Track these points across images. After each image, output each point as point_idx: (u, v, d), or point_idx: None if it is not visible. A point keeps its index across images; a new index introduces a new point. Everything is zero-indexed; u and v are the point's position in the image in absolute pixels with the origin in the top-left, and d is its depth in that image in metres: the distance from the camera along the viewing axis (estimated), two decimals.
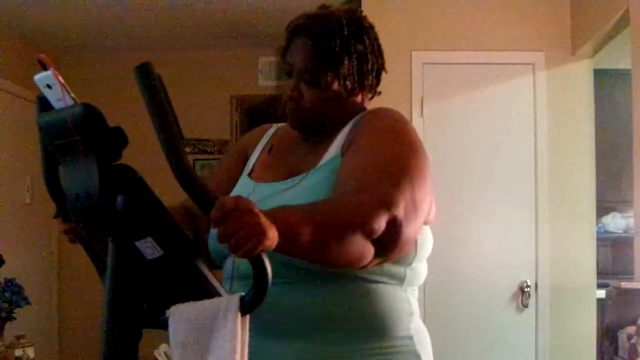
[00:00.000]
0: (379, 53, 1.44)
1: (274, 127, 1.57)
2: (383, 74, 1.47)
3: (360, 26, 1.42)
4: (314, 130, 1.42)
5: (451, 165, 3.78)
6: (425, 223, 1.33)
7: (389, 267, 1.28)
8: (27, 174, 4.64)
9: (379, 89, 1.49)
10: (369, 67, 1.41)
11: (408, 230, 1.18)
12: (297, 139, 1.48)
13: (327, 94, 1.37)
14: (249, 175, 1.48)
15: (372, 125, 1.34)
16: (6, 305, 3.23)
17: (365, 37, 1.41)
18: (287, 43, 1.41)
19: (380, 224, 1.12)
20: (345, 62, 1.37)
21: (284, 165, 1.43)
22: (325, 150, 1.36)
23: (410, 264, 1.34)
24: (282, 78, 1.45)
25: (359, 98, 1.43)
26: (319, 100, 1.38)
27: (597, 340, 3.20)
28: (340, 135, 1.36)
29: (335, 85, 1.37)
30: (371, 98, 1.48)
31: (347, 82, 1.38)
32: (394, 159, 1.25)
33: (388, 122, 1.35)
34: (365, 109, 1.44)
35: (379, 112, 1.39)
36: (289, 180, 1.36)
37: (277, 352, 1.26)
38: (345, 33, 1.37)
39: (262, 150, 1.52)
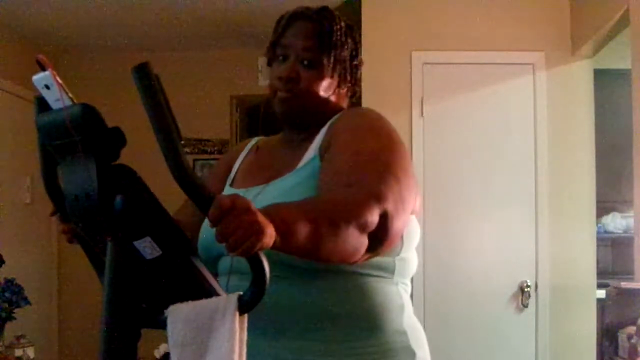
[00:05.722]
0: (360, 55, 1.49)
1: (254, 140, 1.62)
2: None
3: (351, 26, 1.48)
4: (304, 118, 1.43)
5: (451, 165, 3.78)
6: (410, 213, 1.33)
7: (377, 259, 1.28)
8: (27, 174, 4.64)
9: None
10: (358, 62, 1.47)
11: (397, 223, 1.18)
12: (277, 145, 1.51)
13: (324, 77, 1.40)
14: (231, 184, 1.51)
15: (350, 123, 1.36)
16: (6, 305, 3.23)
17: (355, 34, 1.47)
18: (283, 28, 1.44)
19: (374, 217, 1.12)
20: (345, 47, 1.41)
21: (264, 170, 1.45)
22: (304, 152, 1.37)
23: (398, 254, 1.35)
24: (273, 65, 1.45)
25: (342, 94, 1.46)
26: (316, 83, 1.40)
27: (597, 340, 3.21)
28: (318, 137, 1.37)
29: (332, 70, 1.40)
30: (349, 102, 1.51)
31: (346, 67, 1.42)
32: (376, 155, 1.26)
33: (365, 119, 1.37)
34: (342, 108, 1.46)
35: (355, 111, 1.43)
36: (266, 184, 1.37)
37: (269, 350, 1.27)
38: (343, 23, 1.43)
39: (244, 159, 1.55)
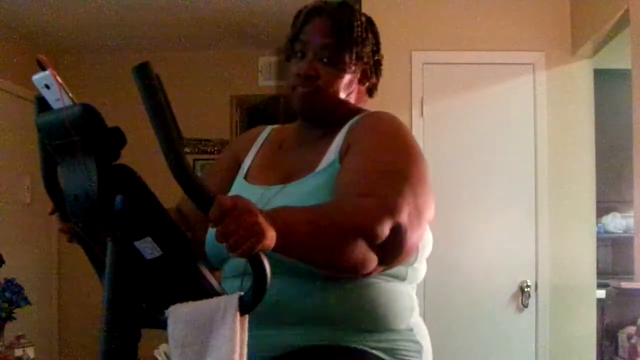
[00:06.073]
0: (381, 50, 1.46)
1: (267, 129, 1.56)
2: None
3: (371, 20, 1.45)
4: (323, 114, 1.39)
5: (451, 165, 3.78)
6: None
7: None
8: (27, 174, 4.64)
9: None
10: (379, 58, 1.44)
11: (412, 237, 1.16)
12: (295, 139, 1.46)
13: (345, 74, 1.37)
14: (245, 178, 1.46)
15: (371, 129, 1.33)
16: (6, 305, 3.23)
17: (375, 28, 1.44)
18: (302, 24, 1.39)
19: (384, 229, 1.10)
20: (366, 42, 1.38)
21: (280, 166, 1.41)
22: (323, 153, 1.34)
23: (412, 264, 1.34)
24: (291, 61, 1.41)
25: (363, 90, 1.44)
26: (336, 81, 1.36)
27: (597, 340, 3.20)
28: (338, 137, 1.35)
29: (354, 66, 1.37)
30: (368, 97, 1.48)
31: (369, 63, 1.40)
32: (394, 165, 1.23)
33: (386, 126, 1.34)
34: (361, 110, 1.43)
35: (377, 116, 1.39)
36: (288, 184, 1.34)
37: (272, 339, 1.25)
38: (363, 18, 1.40)
39: (257, 152, 1.50)
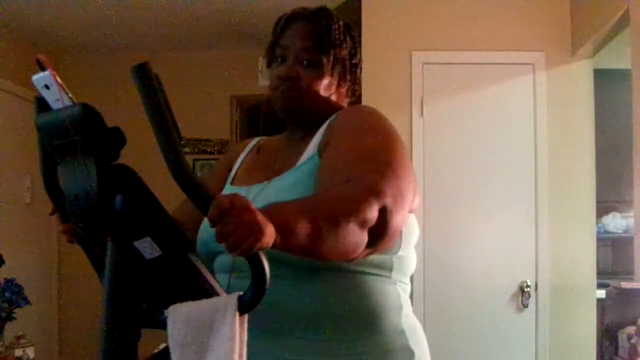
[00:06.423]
0: (359, 54, 1.49)
1: (255, 139, 1.62)
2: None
3: (349, 24, 1.48)
4: (305, 113, 1.43)
5: (451, 165, 3.78)
6: (409, 211, 1.33)
7: (375, 257, 1.27)
8: (27, 174, 4.64)
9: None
10: (358, 61, 1.47)
11: (397, 219, 1.18)
12: (278, 144, 1.51)
13: (324, 77, 1.40)
14: (232, 182, 1.52)
15: (349, 120, 1.36)
16: (6, 305, 3.23)
17: (354, 32, 1.48)
18: (282, 30, 1.44)
19: (373, 213, 1.12)
20: (344, 45, 1.42)
21: (265, 168, 1.45)
22: (303, 149, 1.37)
23: (396, 252, 1.34)
24: (272, 66, 1.45)
25: (342, 93, 1.47)
26: (316, 82, 1.40)
27: (597, 340, 3.20)
28: (318, 134, 1.38)
29: (332, 69, 1.40)
30: (349, 101, 1.51)
31: (345, 66, 1.43)
32: (374, 151, 1.25)
33: (363, 116, 1.37)
34: (342, 107, 1.46)
35: (353, 109, 1.43)
36: (268, 182, 1.37)
37: (268, 350, 1.27)
38: (341, 22, 1.44)
39: (244, 158, 1.56)
